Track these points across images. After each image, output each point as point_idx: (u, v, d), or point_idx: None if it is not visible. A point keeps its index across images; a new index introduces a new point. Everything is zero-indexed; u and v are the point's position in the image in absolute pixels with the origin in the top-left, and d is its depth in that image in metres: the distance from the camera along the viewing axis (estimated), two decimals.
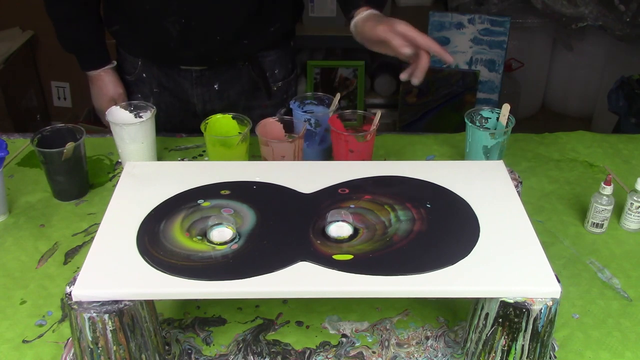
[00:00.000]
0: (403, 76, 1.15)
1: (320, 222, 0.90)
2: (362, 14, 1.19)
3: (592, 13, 2.62)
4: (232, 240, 0.87)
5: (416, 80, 1.13)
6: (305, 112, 1.28)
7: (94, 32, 1.37)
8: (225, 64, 1.39)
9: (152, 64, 1.41)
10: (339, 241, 0.87)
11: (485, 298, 0.81)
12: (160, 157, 1.32)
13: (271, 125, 1.22)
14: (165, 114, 1.42)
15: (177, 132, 1.42)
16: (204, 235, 0.88)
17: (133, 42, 1.40)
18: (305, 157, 1.26)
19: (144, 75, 1.42)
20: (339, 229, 0.89)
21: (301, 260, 0.83)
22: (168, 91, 1.43)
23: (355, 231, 0.89)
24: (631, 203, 1.11)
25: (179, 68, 1.39)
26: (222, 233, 0.88)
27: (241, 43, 1.35)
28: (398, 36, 1.11)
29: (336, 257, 0.84)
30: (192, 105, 1.44)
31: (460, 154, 1.33)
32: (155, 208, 0.93)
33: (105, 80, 1.41)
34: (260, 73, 1.42)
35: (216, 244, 0.86)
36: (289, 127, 1.23)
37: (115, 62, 1.42)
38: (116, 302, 0.78)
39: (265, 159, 1.19)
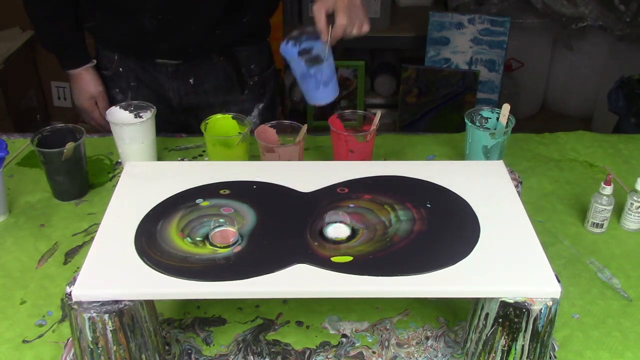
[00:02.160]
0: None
1: (318, 223, 0.90)
2: None
3: (592, 13, 2.62)
4: (234, 243, 0.86)
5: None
6: (303, 50, 1.16)
7: (72, 32, 1.39)
8: (200, 57, 1.40)
9: (129, 58, 1.42)
10: (337, 242, 0.87)
11: (485, 298, 0.81)
12: (160, 157, 1.32)
13: (267, 131, 1.20)
14: None
15: (156, 126, 1.42)
16: (206, 237, 0.87)
17: (109, 37, 1.41)
18: (311, 97, 1.21)
19: (120, 69, 1.43)
20: (337, 230, 0.89)
21: (299, 263, 0.83)
22: (145, 85, 1.44)
23: (354, 232, 0.89)
24: (631, 203, 1.11)
25: (155, 62, 1.40)
26: (224, 235, 0.87)
27: (215, 34, 1.36)
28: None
29: (335, 259, 0.83)
30: (168, 100, 1.45)
31: (460, 154, 1.33)
32: (153, 208, 0.93)
33: (86, 79, 1.42)
34: (235, 67, 1.42)
35: (219, 247, 0.86)
36: (283, 131, 1.22)
37: (95, 61, 1.44)
38: (116, 302, 0.78)
39: None
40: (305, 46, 1.14)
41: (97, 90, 1.43)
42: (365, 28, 1.15)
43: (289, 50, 1.14)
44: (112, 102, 1.45)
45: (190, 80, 1.42)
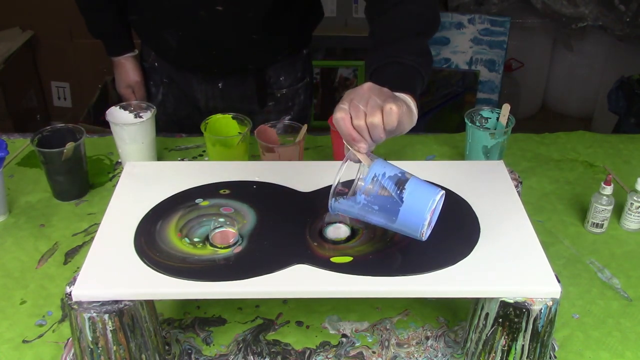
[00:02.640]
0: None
1: (318, 223, 0.90)
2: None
3: (592, 13, 2.62)
4: (235, 243, 0.86)
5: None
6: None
7: (117, 21, 1.42)
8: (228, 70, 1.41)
9: (163, 57, 1.45)
10: (336, 243, 0.87)
11: (485, 298, 0.81)
12: (160, 157, 1.32)
13: (267, 131, 1.21)
14: (173, 106, 1.44)
15: (183, 126, 1.43)
16: (205, 238, 0.87)
17: (146, 36, 1.44)
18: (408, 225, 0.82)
19: (156, 64, 1.46)
20: (337, 230, 0.89)
21: (298, 263, 0.83)
22: (176, 84, 1.46)
23: (354, 232, 0.88)
24: (631, 203, 1.11)
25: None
26: (224, 236, 0.87)
27: (242, 59, 1.36)
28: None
29: (334, 259, 0.83)
30: (196, 101, 1.46)
31: (460, 154, 1.33)
32: (152, 208, 0.93)
33: (126, 67, 1.46)
34: (260, 79, 1.42)
35: (219, 247, 0.86)
36: (283, 131, 1.23)
37: (137, 51, 1.47)
38: (116, 302, 0.78)
39: None
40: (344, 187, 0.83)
41: (133, 80, 1.47)
42: (390, 110, 0.80)
43: (338, 205, 0.83)
44: (147, 93, 1.49)
45: (219, 85, 1.42)
